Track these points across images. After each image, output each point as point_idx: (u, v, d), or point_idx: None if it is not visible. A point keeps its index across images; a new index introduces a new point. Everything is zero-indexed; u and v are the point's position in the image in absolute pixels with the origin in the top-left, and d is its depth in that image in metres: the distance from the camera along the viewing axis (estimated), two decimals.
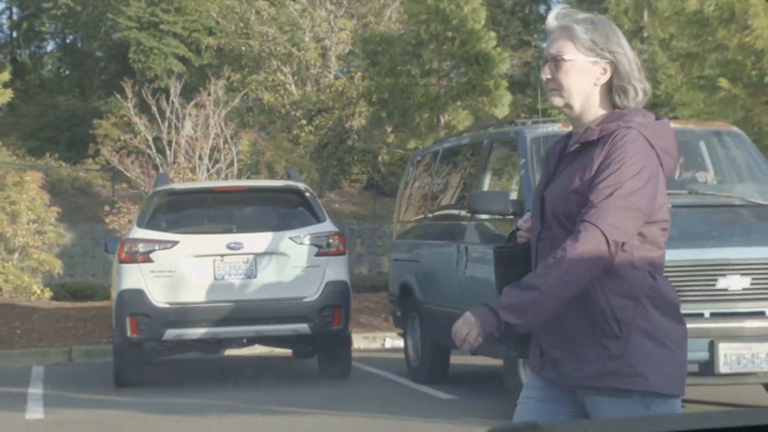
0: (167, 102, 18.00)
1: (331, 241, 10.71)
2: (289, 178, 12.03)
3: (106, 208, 18.99)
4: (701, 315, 7.47)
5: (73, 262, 21.58)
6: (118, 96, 19.77)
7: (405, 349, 11.16)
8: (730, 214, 8.26)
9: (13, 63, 34.50)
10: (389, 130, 20.76)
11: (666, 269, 7.47)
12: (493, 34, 18.23)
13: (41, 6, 35.29)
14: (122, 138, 19.94)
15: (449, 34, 17.88)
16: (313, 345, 11.09)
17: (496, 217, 8.72)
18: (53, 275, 18.50)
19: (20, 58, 38.06)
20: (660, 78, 16.59)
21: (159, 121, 18.03)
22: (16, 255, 17.69)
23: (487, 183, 9.54)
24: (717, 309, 7.51)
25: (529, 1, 37.75)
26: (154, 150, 17.91)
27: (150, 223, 10.71)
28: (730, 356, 7.40)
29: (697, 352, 7.27)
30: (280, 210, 11.16)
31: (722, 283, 7.51)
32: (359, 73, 24.98)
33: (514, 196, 8.82)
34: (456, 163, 10.54)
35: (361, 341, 14.05)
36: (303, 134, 25.20)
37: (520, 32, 35.07)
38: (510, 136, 9.28)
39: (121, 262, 10.51)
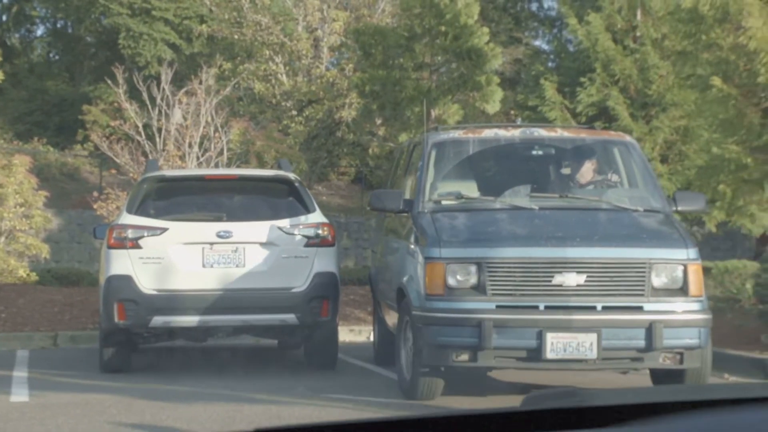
0: (158, 89, 17.95)
1: (320, 231, 10.70)
2: (279, 168, 12.00)
3: (95, 194, 18.94)
4: (536, 307, 8.30)
5: (60, 248, 21.53)
6: (109, 81, 19.71)
7: (373, 335, 11.94)
8: (586, 216, 8.96)
9: (3, 47, 34.31)
10: (379, 122, 20.75)
11: (508, 265, 8.32)
12: (485, 29, 18.22)
13: None
14: (112, 124, 19.88)
15: (442, 28, 17.86)
16: (301, 336, 11.08)
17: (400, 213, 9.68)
18: (39, 260, 18.45)
19: (9, 41, 37.89)
20: (652, 78, 16.59)
21: (149, 107, 17.98)
22: (3, 238, 17.63)
23: (407, 182, 10.26)
24: (551, 302, 8.30)
25: None
26: (143, 136, 17.86)
27: (139, 210, 10.68)
28: (556, 344, 8.21)
29: (526, 340, 8.25)
30: (270, 200, 11.13)
31: (558, 279, 8.30)
32: (350, 65, 24.95)
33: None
34: (399, 162, 11.28)
35: (347, 334, 14.05)
36: (293, 125, 25.16)
37: (511, 29, 35.05)
38: (421, 141, 10.11)
39: (110, 247, 10.48)
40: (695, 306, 8.44)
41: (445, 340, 8.36)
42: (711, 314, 8.61)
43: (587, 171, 9.71)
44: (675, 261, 8.42)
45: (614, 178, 9.73)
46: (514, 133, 9.99)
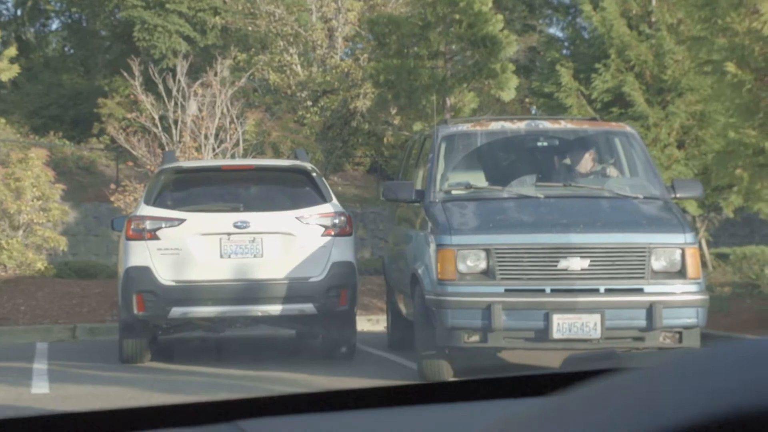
0: (173, 81, 17.98)
1: (337, 221, 10.70)
2: (296, 157, 12.01)
3: (112, 186, 18.99)
4: (543, 291, 8.74)
5: (77, 241, 21.59)
6: (125, 74, 19.74)
7: (387, 321, 12.31)
8: (590, 204, 9.37)
9: (18, 41, 34.38)
10: (394, 112, 20.74)
11: (515, 251, 8.76)
12: (500, 17, 18.19)
13: None
14: (128, 116, 19.93)
15: (456, 16, 17.85)
16: (319, 325, 11.08)
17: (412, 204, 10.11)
18: (57, 253, 18.50)
19: (25, 36, 37.97)
20: (667, 63, 16.54)
21: (165, 99, 18.02)
22: (21, 232, 17.69)
23: (419, 173, 10.62)
24: (557, 286, 8.74)
25: None
26: (159, 128, 17.89)
27: (157, 201, 10.70)
28: (562, 325, 8.63)
29: (534, 321, 8.67)
30: (287, 189, 11.14)
31: (563, 263, 8.72)
32: (365, 55, 24.94)
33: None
34: (411, 153, 11.69)
35: (364, 323, 14.04)
36: (308, 115, 25.16)
37: (525, 16, 34.99)
38: (432, 133, 10.55)
39: (129, 239, 10.51)
40: (693, 287, 8.84)
41: (457, 323, 8.76)
42: (708, 295, 9.02)
43: (587, 161, 10.08)
44: (673, 245, 8.83)
45: (611, 170, 10.06)
46: (519, 126, 10.38)
